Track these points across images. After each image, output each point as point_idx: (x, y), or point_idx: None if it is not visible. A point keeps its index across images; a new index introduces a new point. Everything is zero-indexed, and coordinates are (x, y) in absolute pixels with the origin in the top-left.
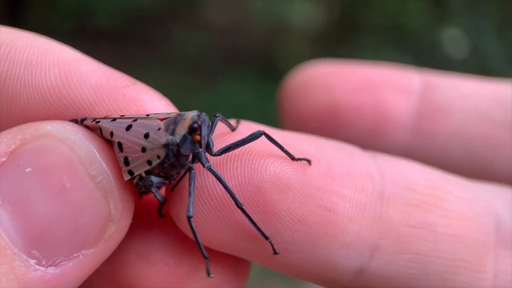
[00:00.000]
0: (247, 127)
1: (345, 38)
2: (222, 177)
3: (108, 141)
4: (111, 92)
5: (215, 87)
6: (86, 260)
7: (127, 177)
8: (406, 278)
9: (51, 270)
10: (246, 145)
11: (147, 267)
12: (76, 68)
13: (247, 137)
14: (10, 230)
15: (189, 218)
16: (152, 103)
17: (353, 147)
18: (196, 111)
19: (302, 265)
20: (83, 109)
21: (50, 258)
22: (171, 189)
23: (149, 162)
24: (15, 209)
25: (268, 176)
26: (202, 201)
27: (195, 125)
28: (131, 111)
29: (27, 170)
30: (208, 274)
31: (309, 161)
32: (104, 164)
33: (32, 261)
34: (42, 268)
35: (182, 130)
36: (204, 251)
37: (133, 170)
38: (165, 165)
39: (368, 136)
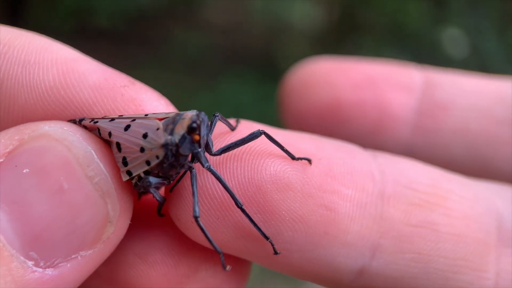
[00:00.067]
0: (246, 127)
1: (345, 38)
2: (222, 177)
3: (107, 142)
4: (109, 92)
5: (215, 87)
6: (85, 261)
7: (125, 177)
8: (407, 277)
9: (49, 271)
10: (246, 145)
11: (147, 267)
12: (75, 68)
13: (246, 137)
14: (8, 231)
15: (196, 218)
16: (151, 103)
17: (354, 146)
18: (195, 110)
19: (303, 265)
20: (82, 109)
21: (48, 260)
22: (170, 190)
23: (148, 162)
24: (12, 210)
25: (268, 175)
26: (202, 201)
27: (194, 124)
28: (129, 111)
29: (24, 171)
30: (224, 267)
31: (309, 161)
32: (101, 165)
33: (30, 263)
34: (40, 270)
35: (181, 130)
36: (217, 246)
37: (132, 170)
38: (164, 165)
39: (369, 133)
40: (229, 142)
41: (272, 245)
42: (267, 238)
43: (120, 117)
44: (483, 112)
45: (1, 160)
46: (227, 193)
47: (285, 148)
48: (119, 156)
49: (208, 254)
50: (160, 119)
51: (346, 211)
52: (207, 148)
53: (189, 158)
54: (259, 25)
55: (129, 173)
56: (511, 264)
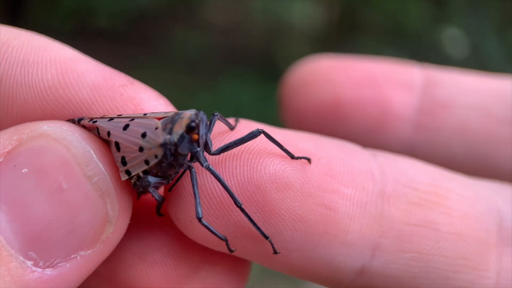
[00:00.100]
0: (246, 126)
1: (345, 38)
2: (221, 176)
3: (106, 141)
4: (108, 91)
5: (215, 87)
6: (84, 261)
7: (124, 177)
8: (408, 276)
9: (48, 271)
10: (245, 144)
11: (146, 267)
12: (73, 67)
13: (246, 136)
14: (7, 231)
15: (199, 220)
16: (149, 102)
17: (353, 145)
18: (193, 110)
19: (303, 264)
20: (80, 108)
21: (47, 260)
22: (169, 189)
23: (147, 162)
24: (11, 210)
25: (268, 175)
26: (201, 200)
27: (193, 124)
28: (128, 111)
29: (23, 171)
30: (231, 251)
31: (309, 160)
32: (100, 165)
33: (29, 263)
34: (39, 270)
35: (179, 129)
36: (221, 235)
37: (131, 170)
38: (163, 164)
39: (370, 131)
40: (228, 141)
41: (272, 244)
42: (266, 237)
43: (119, 116)
44: (483, 111)
45: (0, 160)
46: (226, 193)
47: (285, 147)
48: (118, 156)
49: (208, 254)
50: (159, 119)
51: (346, 210)
52: (206, 147)
53: (188, 157)
54: (259, 25)
55: (128, 172)
56: (511, 263)
